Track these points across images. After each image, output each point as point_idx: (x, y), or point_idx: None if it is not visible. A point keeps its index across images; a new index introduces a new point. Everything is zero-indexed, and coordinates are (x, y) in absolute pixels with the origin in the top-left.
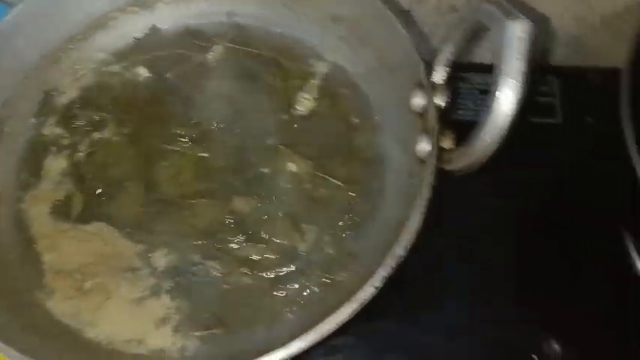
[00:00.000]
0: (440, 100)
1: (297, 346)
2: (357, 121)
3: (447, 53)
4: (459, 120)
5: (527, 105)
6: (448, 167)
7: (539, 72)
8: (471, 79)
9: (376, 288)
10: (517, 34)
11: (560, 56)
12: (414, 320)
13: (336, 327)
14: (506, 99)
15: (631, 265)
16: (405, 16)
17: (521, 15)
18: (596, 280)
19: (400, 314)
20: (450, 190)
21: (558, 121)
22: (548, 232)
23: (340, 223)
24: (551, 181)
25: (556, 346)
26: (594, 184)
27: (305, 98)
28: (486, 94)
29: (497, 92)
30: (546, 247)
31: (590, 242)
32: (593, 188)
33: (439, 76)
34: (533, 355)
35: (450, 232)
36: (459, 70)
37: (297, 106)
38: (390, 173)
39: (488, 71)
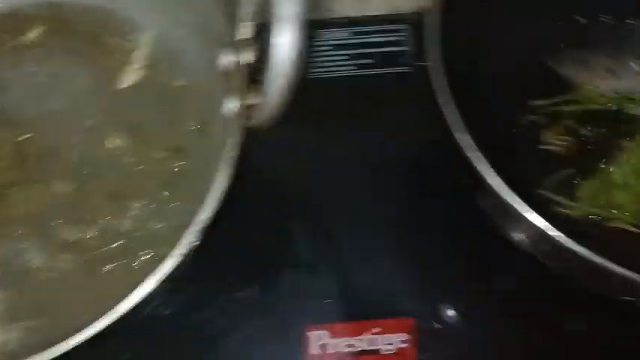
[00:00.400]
0: (247, 57)
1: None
2: (180, 88)
3: (248, 7)
4: (314, 78)
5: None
6: (252, 124)
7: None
8: (325, 36)
9: (182, 255)
10: None
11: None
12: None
13: (140, 300)
14: (284, 45)
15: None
16: None
17: None
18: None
19: None
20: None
21: (410, 70)
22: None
23: (165, 195)
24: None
25: None
26: None
27: (128, 72)
28: (341, 49)
29: (274, 39)
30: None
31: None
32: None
33: (244, 32)
34: None
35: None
36: (313, 27)
37: (119, 82)
38: (214, 138)
39: (343, 26)
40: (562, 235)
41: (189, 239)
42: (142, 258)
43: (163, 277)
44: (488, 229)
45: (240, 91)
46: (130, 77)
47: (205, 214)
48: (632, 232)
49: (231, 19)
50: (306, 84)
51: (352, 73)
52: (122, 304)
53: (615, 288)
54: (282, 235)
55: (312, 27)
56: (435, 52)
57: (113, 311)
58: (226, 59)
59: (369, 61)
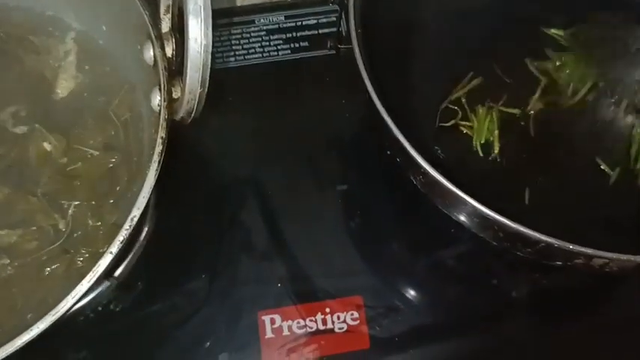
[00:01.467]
0: (168, 50)
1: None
2: (108, 84)
3: (167, 1)
4: (250, 64)
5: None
6: (176, 118)
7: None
8: (257, 21)
9: (112, 254)
10: None
11: None
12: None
13: (75, 301)
14: (196, 39)
15: None
16: None
17: None
18: None
19: None
20: None
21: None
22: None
23: (101, 193)
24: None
25: None
26: None
27: (62, 80)
28: (274, 34)
29: (186, 33)
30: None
31: None
32: None
33: (165, 25)
34: None
35: None
36: (245, 13)
37: (55, 89)
38: (146, 132)
39: (275, 10)
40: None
41: (122, 236)
42: (82, 257)
43: (100, 275)
44: (427, 206)
45: (164, 85)
46: (65, 84)
47: (135, 210)
48: None
49: (153, 13)
50: (242, 70)
51: (287, 57)
52: (61, 304)
53: (541, 253)
54: (228, 223)
55: (246, 13)
56: (356, 34)
57: (53, 311)
58: (149, 53)
59: (304, 44)
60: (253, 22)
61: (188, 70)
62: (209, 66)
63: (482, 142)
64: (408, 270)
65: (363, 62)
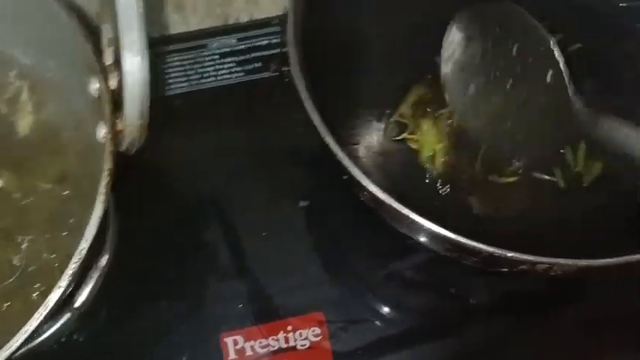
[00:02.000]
0: (112, 82)
1: None
2: (61, 118)
3: (107, 33)
4: (204, 88)
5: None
6: (122, 149)
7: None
8: (210, 45)
9: (61, 288)
10: (127, 3)
11: None
12: None
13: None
14: (133, 72)
15: None
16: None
17: None
18: None
19: None
20: None
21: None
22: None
23: (55, 226)
24: None
25: None
26: None
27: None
28: (227, 57)
29: (122, 67)
30: None
31: None
32: None
33: (108, 57)
34: None
35: None
36: (197, 38)
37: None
38: (97, 163)
39: (227, 33)
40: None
41: (71, 269)
42: (38, 292)
43: (51, 309)
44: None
45: (108, 117)
46: (18, 119)
47: (84, 243)
48: None
49: (97, 45)
50: (197, 94)
51: (241, 79)
52: (10, 344)
53: (486, 261)
54: (191, 244)
55: (198, 38)
56: (294, 55)
57: (6, 347)
58: (94, 86)
59: (257, 65)
60: (206, 46)
61: (126, 104)
62: (147, 99)
63: (429, 155)
64: (368, 283)
65: (303, 83)
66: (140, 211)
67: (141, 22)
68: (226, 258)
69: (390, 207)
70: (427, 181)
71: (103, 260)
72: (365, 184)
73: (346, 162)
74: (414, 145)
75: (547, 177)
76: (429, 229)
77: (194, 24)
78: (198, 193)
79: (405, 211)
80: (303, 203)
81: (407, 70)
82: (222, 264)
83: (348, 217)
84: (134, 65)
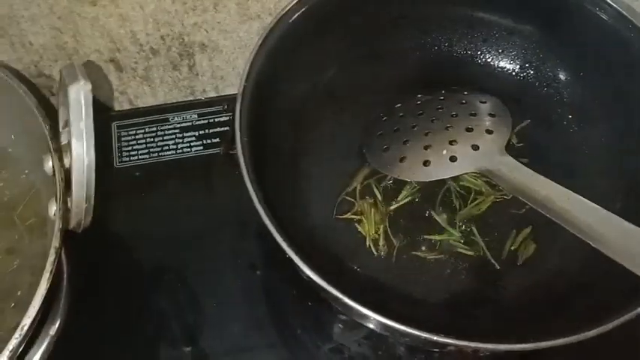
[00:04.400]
0: (66, 161)
1: None
2: (17, 191)
3: (64, 115)
4: (165, 160)
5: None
6: (70, 227)
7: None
8: (172, 119)
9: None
10: (76, 97)
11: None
12: None
13: None
14: (80, 158)
15: None
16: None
17: (81, 79)
18: None
19: None
20: None
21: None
22: None
23: (2, 297)
24: None
25: None
26: None
27: None
28: (188, 131)
29: (71, 152)
30: None
31: None
32: None
33: (64, 138)
34: None
35: None
36: (159, 112)
37: None
38: (49, 237)
39: (189, 109)
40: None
41: (12, 344)
42: None
43: None
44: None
45: (60, 195)
46: None
47: (26, 319)
48: None
49: (54, 126)
50: (156, 166)
51: (200, 152)
52: None
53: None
54: (138, 313)
55: (161, 112)
56: (241, 136)
57: None
58: (49, 164)
59: (216, 140)
60: (167, 120)
61: (73, 187)
62: (93, 183)
63: (372, 237)
64: (315, 355)
65: (246, 169)
66: (94, 279)
67: (88, 113)
68: (177, 326)
69: (324, 289)
70: (375, 257)
71: (54, 328)
72: (302, 268)
73: (284, 246)
74: (359, 227)
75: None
76: (358, 310)
77: (161, 96)
78: (152, 262)
79: (336, 293)
80: (253, 273)
81: (356, 151)
82: (173, 332)
83: (297, 288)
84: (81, 152)
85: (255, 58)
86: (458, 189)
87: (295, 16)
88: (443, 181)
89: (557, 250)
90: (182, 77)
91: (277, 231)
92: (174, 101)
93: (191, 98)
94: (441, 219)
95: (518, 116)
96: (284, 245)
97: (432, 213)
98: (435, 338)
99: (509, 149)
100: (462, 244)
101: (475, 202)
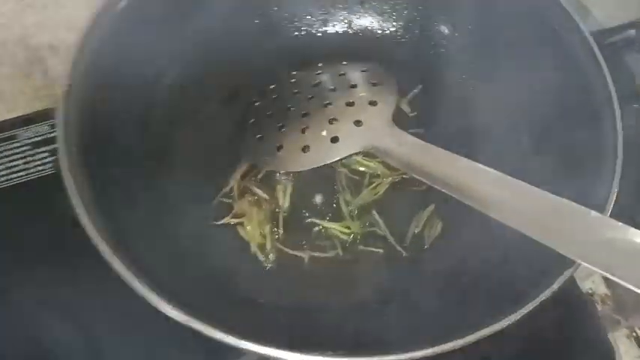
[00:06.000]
0: None
1: None
2: None
3: None
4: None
5: None
6: None
7: None
8: (20, 136)
9: None
10: None
11: None
12: None
13: None
14: None
15: None
16: None
17: None
18: None
19: None
20: None
21: None
22: None
23: None
24: None
25: None
26: None
27: None
28: (40, 146)
29: None
30: None
31: None
32: None
33: None
34: None
35: None
36: (5, 129)
37: None
38: None
39: (39, 121)
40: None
41: None
42: None
43: None
44: None
45: None
46: None
47: None
48: None
49: None
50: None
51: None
52: None
53: None
54: None
55: (6, 129)
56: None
57: None
58: None
59: None
60: (15, 137)
61: None
62: None
63: (258, 243)
64: None
65: (75, 186)
66: None
67: None
68: None
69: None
70: (262, 265)
71: None
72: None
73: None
74: (240, 232)
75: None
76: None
77: (20, 109)
78: None
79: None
80: None
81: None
82: None
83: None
84: None
85: (80, 54)
86: (350, 174)
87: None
88: (332, 168)
89: (467, 226)
90: (39, 86)
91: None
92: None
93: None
94: (337, 210)
95: (408, 83)
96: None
97: (325, 206)
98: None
99: (403, 121)
100: (363, 235)
101: (371, 187)
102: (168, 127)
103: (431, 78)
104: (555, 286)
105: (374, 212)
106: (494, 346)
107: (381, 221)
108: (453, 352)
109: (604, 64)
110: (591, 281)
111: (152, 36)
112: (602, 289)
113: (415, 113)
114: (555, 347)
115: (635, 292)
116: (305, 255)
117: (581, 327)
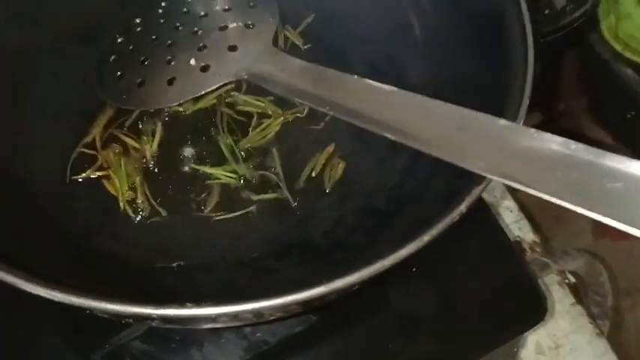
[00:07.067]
0: None
1: None
2: None
3: None
4: None
5: None
6: None
7: None
8: None
9: None
10: None
11: None
12: None
13: None
14: None
15: None
16: None
17: None
18: None
19: None
20: None
21: None
22: None
23: None
24: None
25: None
26: None
27: None
28: None
29: None
30: None
31: None
32: None
33: None
34: None
35: None
36: None
37: None
38: None
39: None
40: None
41: None
42: None
43: None
44: None
45: None
46: None
47: None
48: None
49: None
50: None
51: None
52: None
53: None
54: None
55: None
56: None
57: None
58: None
59: None
60: None
61: None
62: None
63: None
64: None
65: None
66: None
67: None
68: None
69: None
70: (134, 223)
71: None
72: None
73: None
74: (108, 186)
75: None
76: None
77: None
78: None
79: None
80: None
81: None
82: None
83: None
84: None
85: None
86: (235, 115)
87: None
88: (212, 109)
89: (371, 164)
90: None
91: None
92: None
93: None
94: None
95: (300, 11)
96: None
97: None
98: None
99: (296, 55)
100: (252, 181)
101: (261, 128)
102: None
103: (325, 4)
104: (463, 208)
105: (273, 150)
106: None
107: (277, 161)
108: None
109: None
110: (518, 228)
111: None
112: (530, 237)
113: (309, 45)
114: (484, 298)
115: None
116: (190, 205)
117: (511, 275)
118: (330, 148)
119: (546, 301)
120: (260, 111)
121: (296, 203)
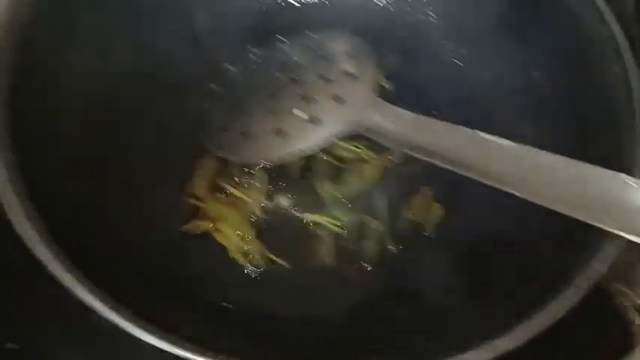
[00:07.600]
0: None
1: None
2: None
3: None
4: None
5: None
6: None
7: None
8: None
9: None
10: None
11: None
12: None
13: None
14: None
15: None
16: None
17: None
18: None
19: None
20: None
21: None
22: None
23: None
24: None
25: None
26: None
27: None
28: None
29: None
30: None
31: None
32: None
33: None
34: None
35: None
36: None
37: None
38: None
39: None
40: None
41: None
42: None
43: None
44: None
45: None
46: None
47: None
48: None
49: None
50: None
51: None
52: None
53: None
54: None
55: None
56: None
57: None
58: None
59: None
60: None
61: None
62: None
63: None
64: None
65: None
66: None
67: None
68: None
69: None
70: (244, 274)
71: None
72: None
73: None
74: (218, 237)
75: None
76: None
77: None
78: None
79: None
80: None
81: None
82: None
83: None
84: None
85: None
86: (331, 160)
87: None
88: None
89: (471, 209)
90: None
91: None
92: None
93: None
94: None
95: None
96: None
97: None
98: None
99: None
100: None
101: (358, 173)
102: (123, 124)
103: (411, 48)
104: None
105: (376, 195)
106: None
107: (381, 208)
108: None
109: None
110: None
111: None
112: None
113: (394, 87)
114: None
115: None
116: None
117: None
118: (428, 192)
119: None
120: (355, 157)
121: (393, 251)
